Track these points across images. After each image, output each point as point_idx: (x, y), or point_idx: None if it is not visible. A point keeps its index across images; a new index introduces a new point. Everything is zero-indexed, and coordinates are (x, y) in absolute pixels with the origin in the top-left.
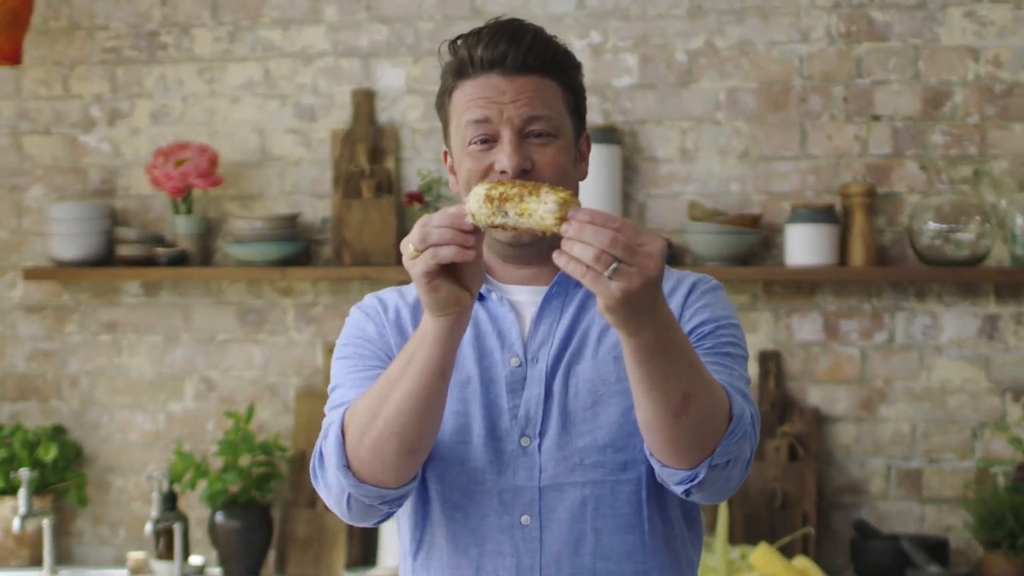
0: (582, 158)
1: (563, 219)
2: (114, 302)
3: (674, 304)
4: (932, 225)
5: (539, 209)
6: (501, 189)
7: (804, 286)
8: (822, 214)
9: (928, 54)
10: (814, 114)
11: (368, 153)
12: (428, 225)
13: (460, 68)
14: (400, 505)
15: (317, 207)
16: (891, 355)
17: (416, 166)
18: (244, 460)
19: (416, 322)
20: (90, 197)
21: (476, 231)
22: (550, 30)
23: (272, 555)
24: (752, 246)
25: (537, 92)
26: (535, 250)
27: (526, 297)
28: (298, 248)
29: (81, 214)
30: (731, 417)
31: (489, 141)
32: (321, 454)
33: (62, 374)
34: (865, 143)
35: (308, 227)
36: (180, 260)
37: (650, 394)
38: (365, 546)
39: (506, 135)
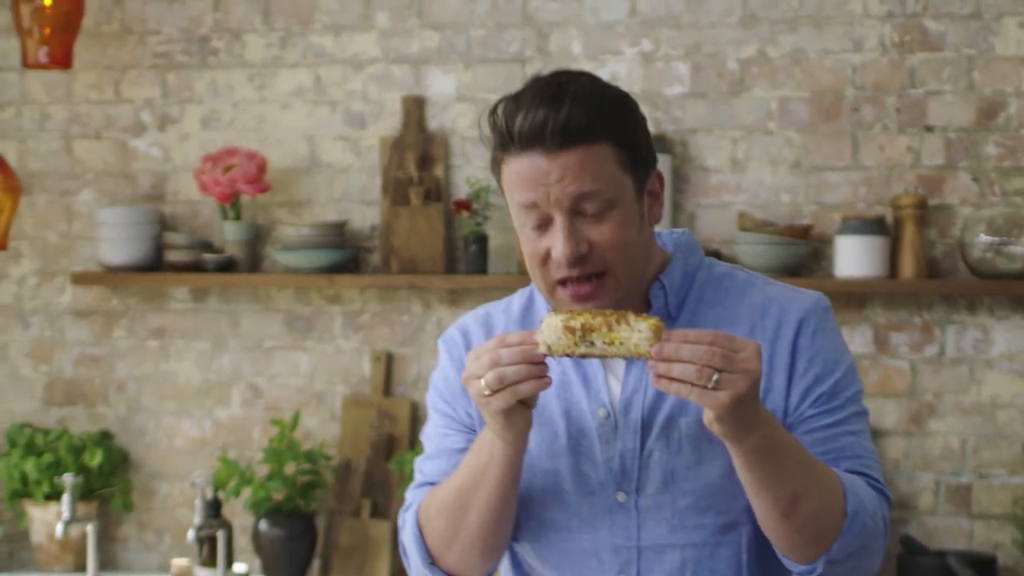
0: (654, 200)
1: (655, 344)
2: (162, 307)
3: (781, 350)
4: (984, 238)
5: (632, 337)
6: (582, 320)
7: (854, 298)
8: (873, 226)
9: (982, 64)
10: (866, 124)
11: (417, 160)
12: (500, 365)
13: (502, 142)
14: None
15: (366, 214)
16: (941, 369)
17: (465, 174)
18: (289, 468)
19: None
20: (140, 202)
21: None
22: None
23: (316, 564)
24: (802, 257)
25: (584, 166)
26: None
27: None
28: (346, 255)
29: (130, 219)
30: (846, 514)
31: (544, 224)
32: (403, 547)
33: (109, 379)
34: (917, 154)
35: (356, 234)
36: (228, 266)
37: (759, 496)
38: None
39: (558, 220)
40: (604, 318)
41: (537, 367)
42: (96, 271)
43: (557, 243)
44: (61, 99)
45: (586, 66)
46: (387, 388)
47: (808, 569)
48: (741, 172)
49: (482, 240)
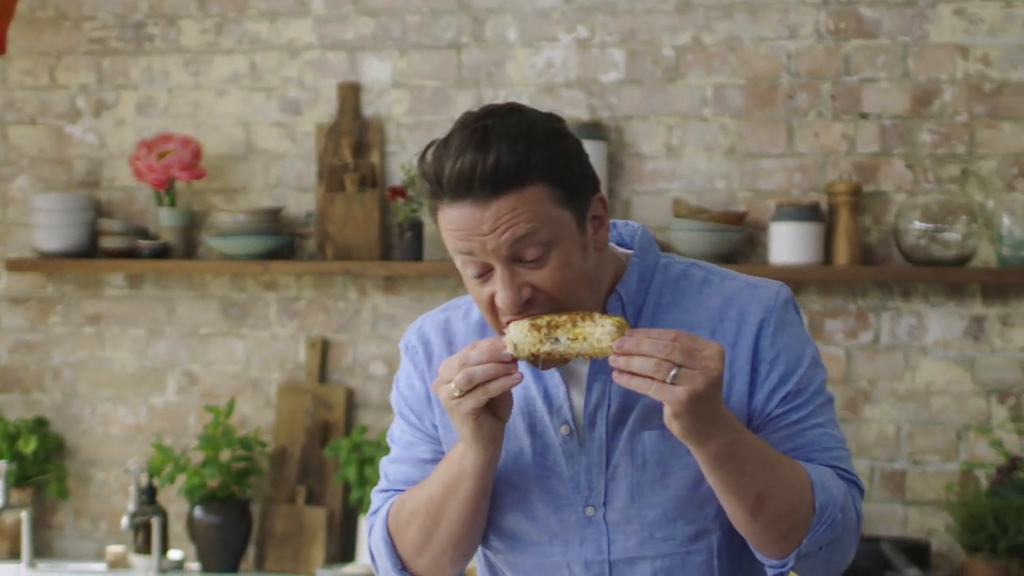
0: (598, 225)
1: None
2: (98, 294)
3: (742, 353)
4: (918, 224)
5: (596, 332)
6: (548, 318)
7: (788, 285)
8: (807, 212)
9: (917, 51)
10: (801, 111)
11: (353, 147)
12: (468, 364)
13: (434, 191)
14: None
15: (301, 201)
16: (876, 355)
17: (400, 160)
18: (224, 455)
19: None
20: (75, 188)
21: (514, 360)
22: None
23: (251, 550)
24: (736, 244)
25: (517, 213)
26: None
27: (576, 362)
28: (281, 242)
29: (65, 205)
30: (815, 509)
31: (484, 274)
32: (372, 553)
33: (45, 366)
34: (852, 141)
35: (292, 221)
36: (163, 253)
37: (725, 497)
38: (344, 543)
39: (497, 269)
40: (569, 316)
41: (505, 365)
42: (31, 258)
43: (499, 291)
44: None
45: (522, 53)
46: (322, 375)
47: (780, 563)
48: (676, 159)
49: (417, 227)
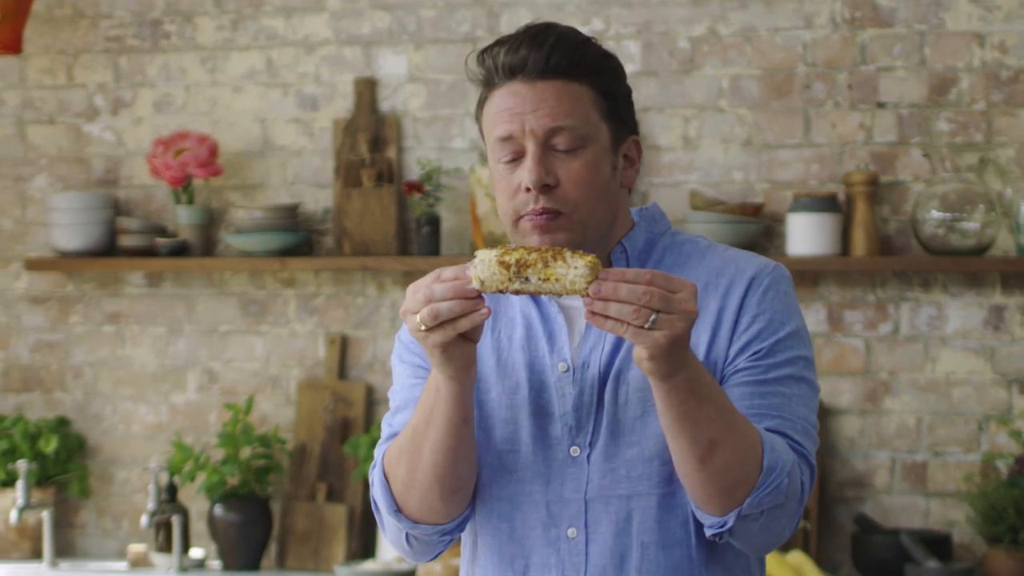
0: (629, 164)
1: (591, 282)
2: (117, 293)
3: (730, 305)
4: (936, 214)
5: (568, 274)
6: (516, 255)
7: (807, 276)
8: (825, 203)
9: (933, 40)
10: (818, 101)
11: (369, 142)
12: (433, 300)
13: (487, 78)
14: (461, 531)
15: (318, 197)
16: (896, 346)
17: (417, 155)
18: (244, 452)
19: None
20: (93, 187)
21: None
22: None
23: (272, 548)
24: (754, 236)
25: (560, 99)
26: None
27: (577, 299)
28: (299, 238)
29: (84, 204)
30: (762, 468)
31: (517, 159)
32: (374, 501)
33: (66, 365)
34: (869, 131)
35: (309, 217)
36: (181, 250)
37: (677, 439)
38: (364, 539)
39: (529, 149)
40: (540, 254)
41: (471, 301)
42: (50, 257)
43: (525, 172)
44: (14, 84)
45: None
46: (342, 371)
47: (719, 522)
48: (693, 150)
49: (435, 221)
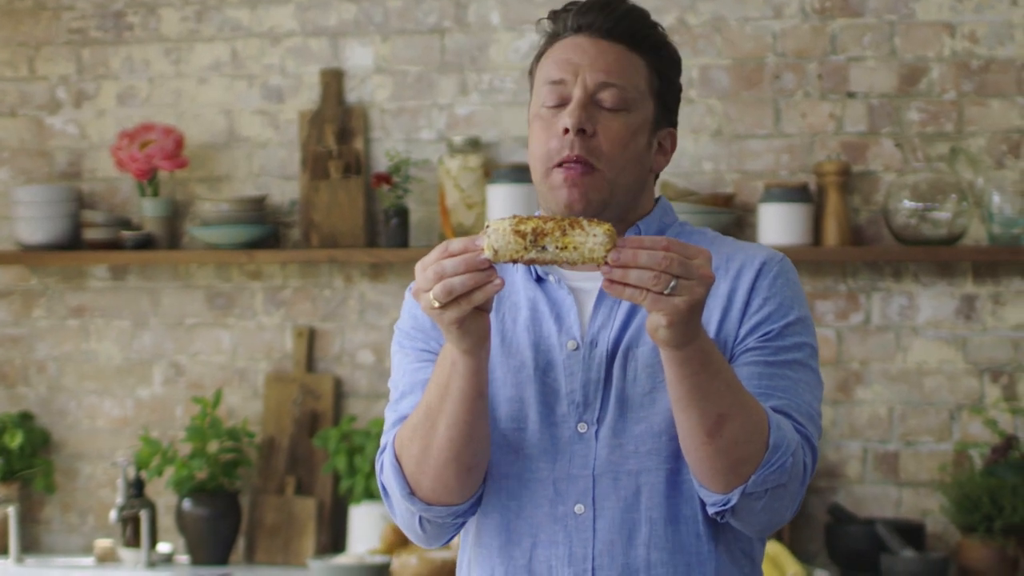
0: (662, 151)
1: (610, 250)
2: (81, 286)
3: (741, 287)
4: (908, 204)
5: (587, 242)
6: (533, 224)
7: None
8: (796, 193)
9: (904, 30)
10: (788, 91)
11: (336, 134)
12: (446, 276)
13: (554, 32)
14: (472, 514)
15: (285, 189)
16: (867, 336)
17: (385, 147)
18: (212, 446)
19: None
20: (56, 180)
21: (491, 264)
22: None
23: (241, 542)
24: (725, 226)
25: (618, 60)
26: None
27: (586, 280)
28: (266, 231)
29: (47, 197)
30: (768, 445)
31: (562, 105)
32: (384, 487)
33: (29, 359)
34: (840, 121)
35: (276, 209)
36: (147, 243)
37: (687, 411)
38: (334, 533)
39: (576, 95)
40: (556, 223)
41: (484, 273)
42: (14, 250)
43: (566, 115)
44: None
45: (505, 36)
46: (310, 364)
47: (723, 499)
48: None
49: (403, 213)
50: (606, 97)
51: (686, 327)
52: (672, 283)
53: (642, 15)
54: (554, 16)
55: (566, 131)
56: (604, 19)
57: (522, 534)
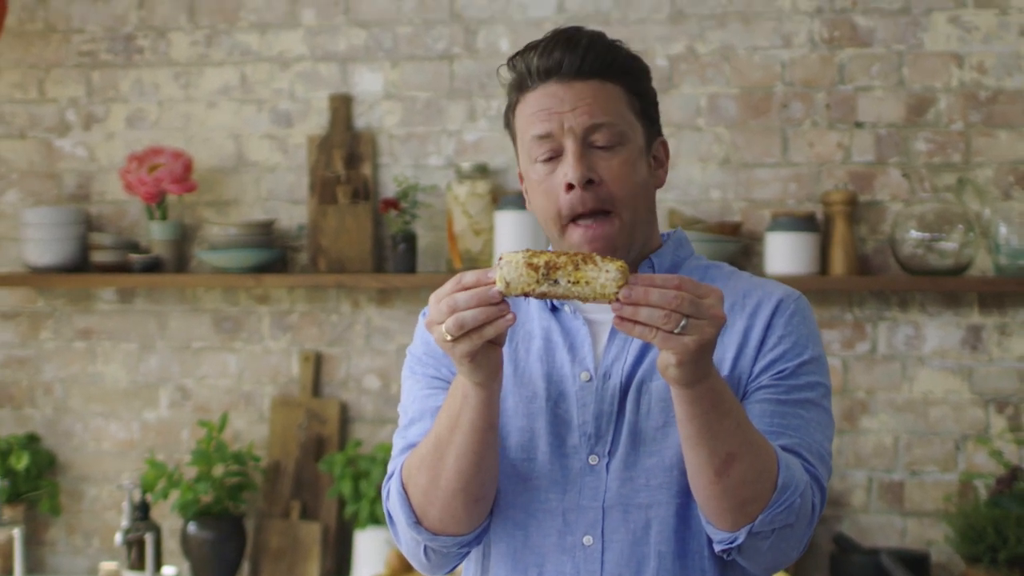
0: (659, 165)
1: (622, 286)
2: (89, 309)
3: (757, 324)
4: (915, 234)
5: (599, 278)
6: (546, 257)
7: None
8: (803, 222)
9: (912, 60)
10: (796, 121)
11: (345, 159)
12: (458, 310)
13: (520, 82)
14: (478, 543)
15: (293, 213)
16: (873, 366)
17: (393, 172)
18: (217, 470)
19: None
20: (65, 202)
21: (503, 298)
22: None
23: (246, 566)
24: (732, 255)
25: (597, 98)
26: None
27: (600, 312)
28: (274, 255)
29: (56, 219)
30: (776, 486)
31: (555, 158)
32: (390, 514)
33: (36, 381)
34: (848, 150)
35: (284, 234)
36: (154, 266)
37: (696, 449)
38: (338, 557)
39: (569, 146)
40: (570, 257)
41: (496, 307)
42: (21, 272)
43: (567, 168)
44: None
45: None
46: (316, 388)
47: (730, 538)
48: (671, 169)
49: (410, 239)
50: (598, 138)
51: (696, 366)
52: (683, 322)
53: (603, 41)
54: (513, 64)
55: (570, 187)
56: (570, 59)
57: (528, 564)
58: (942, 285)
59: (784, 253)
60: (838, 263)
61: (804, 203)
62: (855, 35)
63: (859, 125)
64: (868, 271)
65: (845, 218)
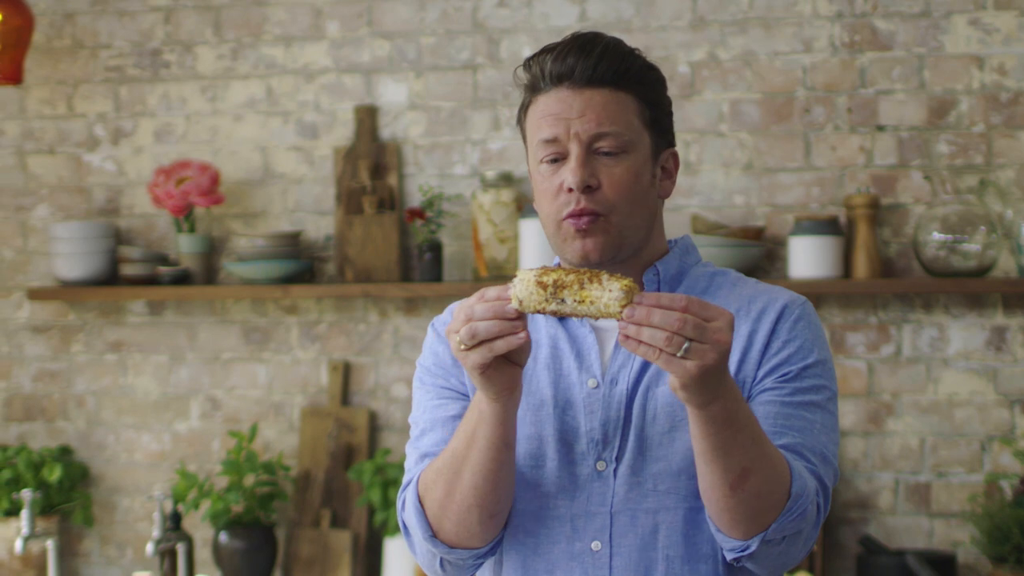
0: (666, 175)
1: (626, 306)
2: (119, 321)
3: (762, 329)
4: (938, 236)
5: (603, 296)
6: (555, 276)
7: (809, 298)
8: (826, 226)
9: (932, 63)
10: (818, 125)
11: (370, 169)
12: (473, 320)
13: (533, 84)
14: (493, 554)
15: (320, 224)
16: (898, 368)
17: (418, 182)
18: (248, 480)
19: None
20: (95, 216)
21: (521, 315)
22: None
23: (277, 575)
24: (756, 259)
25: (607, 106)
26: (620, 272)
27: (607, 319)
28: (301, 266)
29: (85, 233)
30: (790, 495)
31: (559, 160)
32: (405, 525)
33: (68, 394)
34: (870, 153)
35: (311, 244)
36: (183, 279)
37: (710, 465)
38: (369, 566)
39: (573, 151)
40: (577, 276)
41: (510, 323)
42: (52, 286)
43: (568, 173)
44: (14, 115)
45: None
46: (345, 398)
47: (741, 547)
48: (694, 175)
49: (436, 248)
50: (604, 145)
51: (702, 389)
52: (685, 345)
53: (618, 49)
54: (528, 66)
55: (570, 190)
56: (583, 65)
57: (538, 570)
58: (965, 287)
59: (807, 257)
60: (861, 266)
61: (827, 207)
62: (875, 39)
63: (881, 128)
64: (892, 274)
65: (868, 221)
